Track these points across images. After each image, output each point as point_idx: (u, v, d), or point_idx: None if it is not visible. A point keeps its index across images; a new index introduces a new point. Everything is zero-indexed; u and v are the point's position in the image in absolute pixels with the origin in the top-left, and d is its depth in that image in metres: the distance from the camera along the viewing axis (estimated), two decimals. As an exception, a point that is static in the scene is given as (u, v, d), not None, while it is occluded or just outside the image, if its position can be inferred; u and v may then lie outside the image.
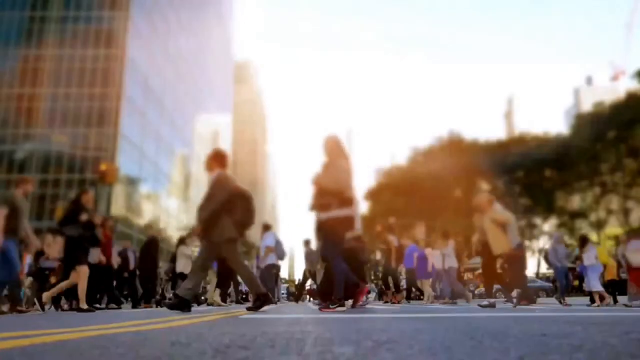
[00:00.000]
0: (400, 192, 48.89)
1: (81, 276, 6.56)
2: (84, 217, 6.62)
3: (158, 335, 1.80)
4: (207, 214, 4.84)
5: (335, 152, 5.11)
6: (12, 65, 47.04)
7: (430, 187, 45.51)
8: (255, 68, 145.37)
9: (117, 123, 46.23)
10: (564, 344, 1.27)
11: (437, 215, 41.14)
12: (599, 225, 43.55)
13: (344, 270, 5.03)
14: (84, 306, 6.53)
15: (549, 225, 45.57)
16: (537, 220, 45.55)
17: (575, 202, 45.46)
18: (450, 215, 41.31)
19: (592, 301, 9.98)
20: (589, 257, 10.38)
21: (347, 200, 4.97)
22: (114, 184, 37.64)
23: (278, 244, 10.97)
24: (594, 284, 10.19)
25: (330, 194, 4.94)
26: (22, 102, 46.81)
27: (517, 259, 11.16)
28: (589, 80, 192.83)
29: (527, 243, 43.63)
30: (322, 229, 5.08)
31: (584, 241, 10.83)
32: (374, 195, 56.10)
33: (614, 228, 44.05)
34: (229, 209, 4.89)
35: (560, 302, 10.00)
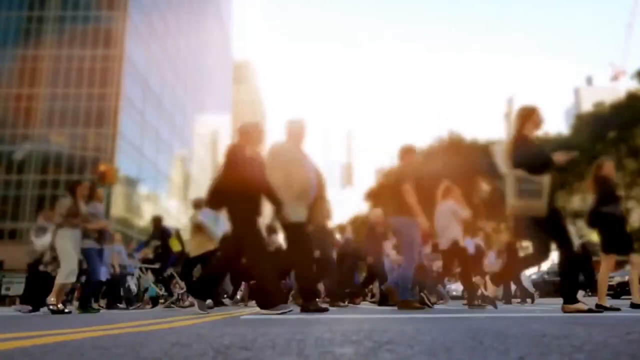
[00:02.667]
0: (399, 192, 48.79)
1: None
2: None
3: (159, 335, 1.80)
4: None
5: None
6: (9, 65, 46.98)
7: (430, 187, 45.38)
8: (254, 68, 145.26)
9: (116, 123, 46.15)
10: (564, 344, 1.27)
11: (436, 215, 41.09)
12: (599, 225, 43.55)
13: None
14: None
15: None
16: (537, 220, 45.54)
17: (575, 202, 45.40)
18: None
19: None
20: None
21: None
22: (113, 185, 37.60)
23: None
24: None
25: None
26: (20, 102, 46.74)
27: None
28: (589, 80, 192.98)
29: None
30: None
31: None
32: (374, 195, 56.05)
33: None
34: None
35: None
